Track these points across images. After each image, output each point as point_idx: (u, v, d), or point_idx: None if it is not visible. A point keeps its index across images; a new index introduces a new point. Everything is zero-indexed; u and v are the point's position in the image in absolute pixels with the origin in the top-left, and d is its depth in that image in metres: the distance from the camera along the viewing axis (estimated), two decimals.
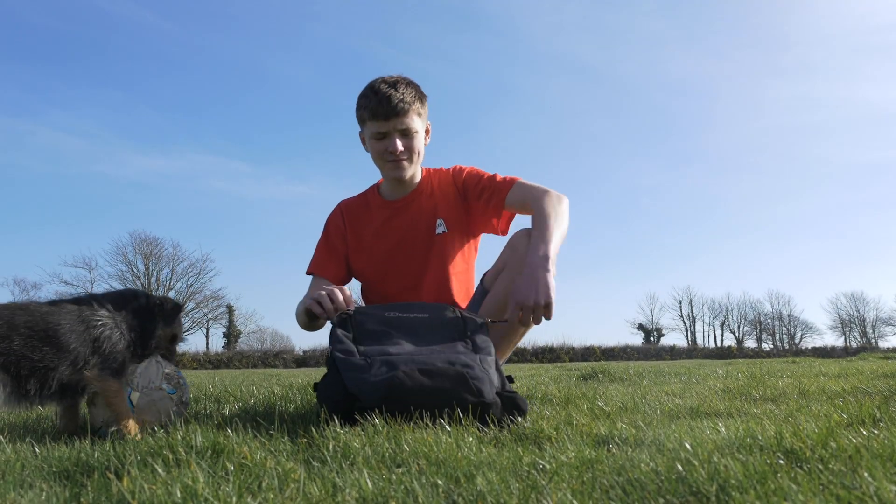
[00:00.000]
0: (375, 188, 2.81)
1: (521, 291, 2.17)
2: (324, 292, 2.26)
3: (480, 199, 2.61)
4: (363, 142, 2.66)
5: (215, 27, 56.16)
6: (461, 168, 2.74)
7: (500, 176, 2.62)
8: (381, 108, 2.48)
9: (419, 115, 2.57)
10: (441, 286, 2.65)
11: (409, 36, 63.22)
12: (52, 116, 50.28)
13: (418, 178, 2.72)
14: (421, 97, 2.58)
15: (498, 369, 2.03)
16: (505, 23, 62.78)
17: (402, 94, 2.50)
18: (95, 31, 51.96)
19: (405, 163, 2.58)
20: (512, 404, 1.95)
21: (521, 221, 2.63)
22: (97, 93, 52.30)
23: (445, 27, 63.06)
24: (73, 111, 51.27)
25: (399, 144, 2.52)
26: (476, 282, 2.76)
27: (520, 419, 1.93)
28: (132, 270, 36.78)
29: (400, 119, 2.49)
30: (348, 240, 2.75)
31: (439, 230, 2.66)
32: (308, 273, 2.79)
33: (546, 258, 2.20)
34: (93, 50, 52.25)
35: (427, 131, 2.67)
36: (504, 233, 2.71)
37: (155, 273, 37.36)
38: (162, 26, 52.62)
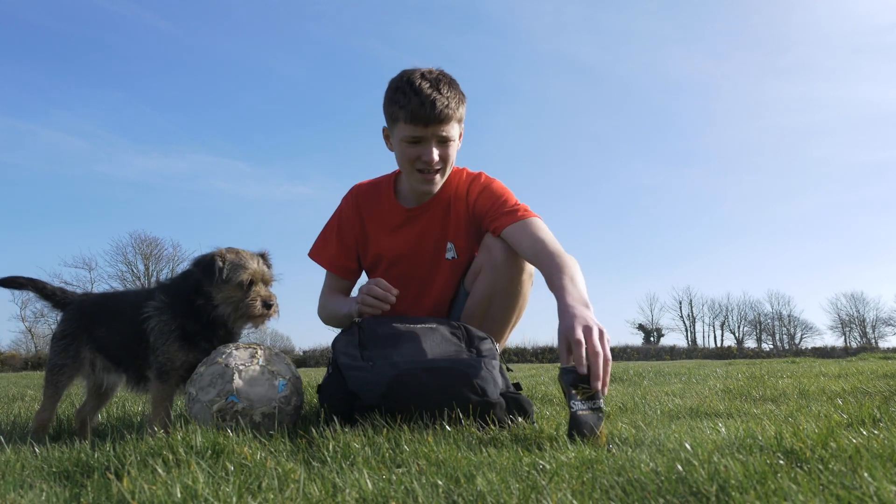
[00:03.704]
0: (392, 184, 2.59)
1: (566, 326, 1.85)
2: (369, 296, 2.26)
3: (485, 223, 2.45)
4: (386, 139, 2.44)
5: (215, 27, 56.18)
6: (479, 182, 2.51)
7: (509, 204, 2.40)
8: (423, 113, 2.22)
9: (459, 120, 2.35)
10: (440, 303, 2.60)
11: (409, 36, 63.23)
12: (53, 116, 50.28)
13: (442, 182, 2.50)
14: (462, 99, 2.34)
15: (503, 373, 2.02)
16: (505, 23, 62.82)
17: (447, 98, 2.25)
18: (95, 31, 51.97)
19: (437, 176, 2.37)
20: (516, 405, 1.94)
21: None
22: (97, 93, 52.30)
23: (445, 27, 63.08)
24: (73, 111, 51.27)
25: (435, 154, 2.30)
26: None
27: (521, 419, 1.92)
28: (132, 271, 36.76)
29: (441, 126, 2.26)
30: (356, 233, 2.62)
31: (449, 255, 2.53)
32: (317, 262, 2.69)
33: (587, 306, 1.91)
34: (93, 50, 52.25)
35: (460, 136, 2.43)
36: None
37: (155, 273, 37.34)
38: (162, 26, 52.63)
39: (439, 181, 2.41)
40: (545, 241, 2.22)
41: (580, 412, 1.71)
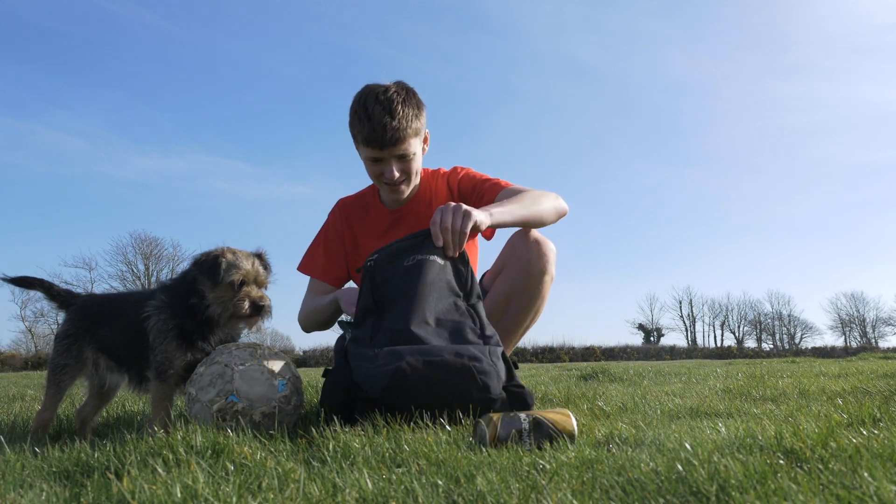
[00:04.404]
0: (375, 193, 2.72)
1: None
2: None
3: (472, 200, 2.55)
4: (358, 149, 2.52)
5: (215, 27, 56.18)
6: (456, 171, 2.66)
7: (491, 179, 2.55)
8: (375, 137, 2.31)
9: (417, 134, 2.41)
10: None
11: (409, 36, 63.22)
12: (53, 116, 50.30)
13: (417, 183, 2.63)
14: (418, 113, 2.40)
15: (505, 360, 2.02)
16: (505, 23, 62.78)
17: (399, 119, 2.30)
18: (96, 31, 51.97)
19: (402, 186, 2.49)
20: (519, 399, 1.93)
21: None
22: (97, 93, 52.31)
23: (445, 27, 63.00)
24: (73, 111, 51.29)
25: (396, 172, 2.40)
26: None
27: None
28: (132, 270, 36.77)
29: (397, 147, 2.35)
30: (346, 242, 2.72)
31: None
32: (306, 273, 2.76)
33: (482, 211, 2.09)
34: (93, 50, 52.25)
35: (426, 140, 2.54)
36: (488, 237, 2.69)
37: (155, 273, 37.35)
38: (162, 26, 52.63)
39: (406, 189, 2.54)
40: (522, 192, 2.37)
41: (528, 431, 1.63)
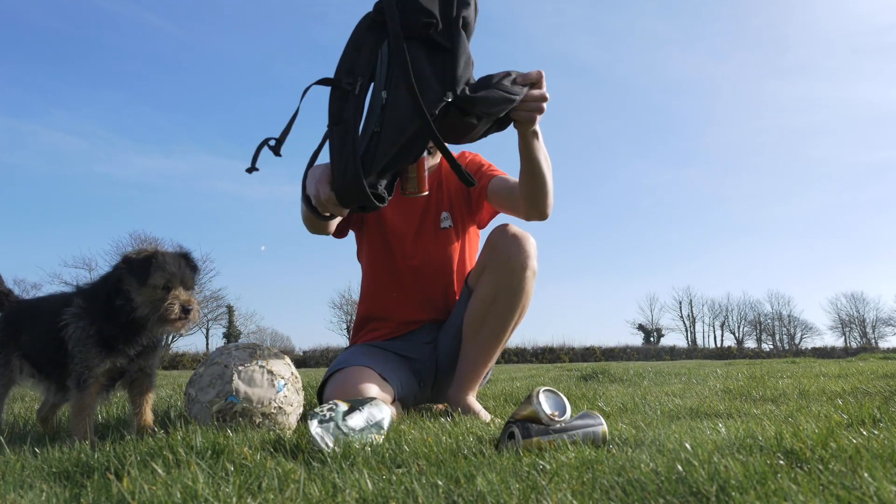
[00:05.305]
0: None
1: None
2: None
3: (476, 189, 2.63)
4: None
5: (216, 27, 56.28)
6: (464, 156, 2.73)
7: (493, 167, 2.63)
8: None
9: None
10: (439, 272, 2.68)
11: None
12: (53, 116, 50.43)
13: (437, 162, 2.74)
14: None
15: None
16: (505, 23, 62.88)
17: None
18: (96, 31, 52.09)
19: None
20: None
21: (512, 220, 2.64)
22: (97, 93, 52.44)
23: None
24: (73, 111, 51.42)
25: None
26: None
27: None
28: None
29: None
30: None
31: (444, 224, 2.68)
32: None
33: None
34: (93, 50, 52.38)
35: None
36: (482, 224, 2.74)
37: None
38: (162, 26, 52.74)
39: (430, 161, 2.60)
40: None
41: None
